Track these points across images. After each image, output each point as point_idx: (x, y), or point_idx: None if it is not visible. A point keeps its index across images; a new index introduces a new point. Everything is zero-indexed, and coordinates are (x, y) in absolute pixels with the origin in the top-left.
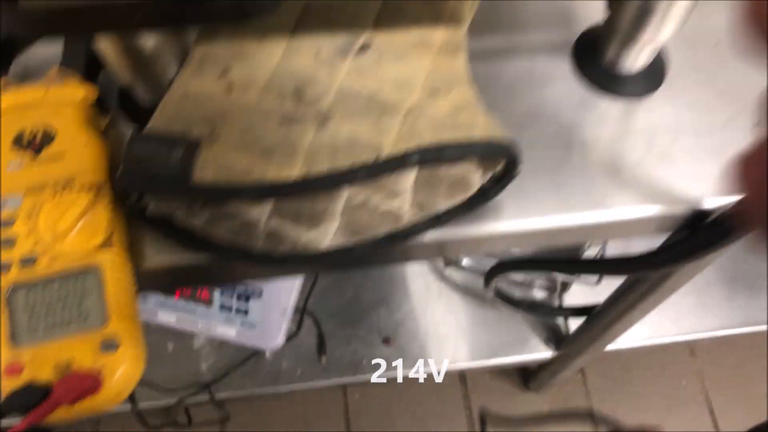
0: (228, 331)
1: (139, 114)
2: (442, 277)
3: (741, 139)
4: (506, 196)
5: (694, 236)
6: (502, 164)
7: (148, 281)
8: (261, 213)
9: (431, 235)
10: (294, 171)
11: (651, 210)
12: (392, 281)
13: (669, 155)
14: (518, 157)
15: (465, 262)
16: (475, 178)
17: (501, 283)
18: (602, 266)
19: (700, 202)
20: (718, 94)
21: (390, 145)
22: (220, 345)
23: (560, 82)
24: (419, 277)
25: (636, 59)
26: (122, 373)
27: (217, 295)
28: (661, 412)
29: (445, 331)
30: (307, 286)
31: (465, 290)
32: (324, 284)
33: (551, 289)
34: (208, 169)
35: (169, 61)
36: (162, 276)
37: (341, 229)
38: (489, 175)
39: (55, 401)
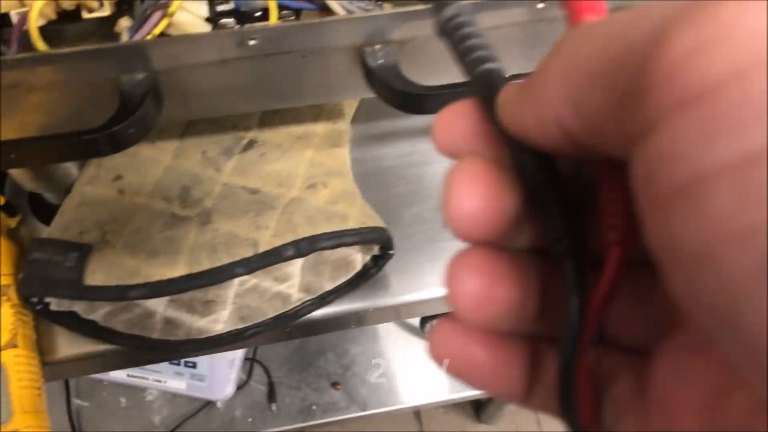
0: (178, 384)
1: (47, 213)
2: None
3: None
4: (390, 271)
5: None
6: (377, 247)
7: (62, 370)
8: (157, 304)
9: (320, 313)
10: (177, 270)
11: None
12: None
13: None
14: (390, 241)
15: None
16: (358, 259)
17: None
18: None
19: None
20: None
21: (266, 240)
22: (173, 397)
23: (438, 162)
24: None
25: None
26: None
27: None
28: None
29: (393, 371)
30: None
31: (411, 329)
32: None
33: None
34: (98, 273)
35: (68, 167)
36: (75, 365)
37: (233, 314)
38: (369, 255)
39: None
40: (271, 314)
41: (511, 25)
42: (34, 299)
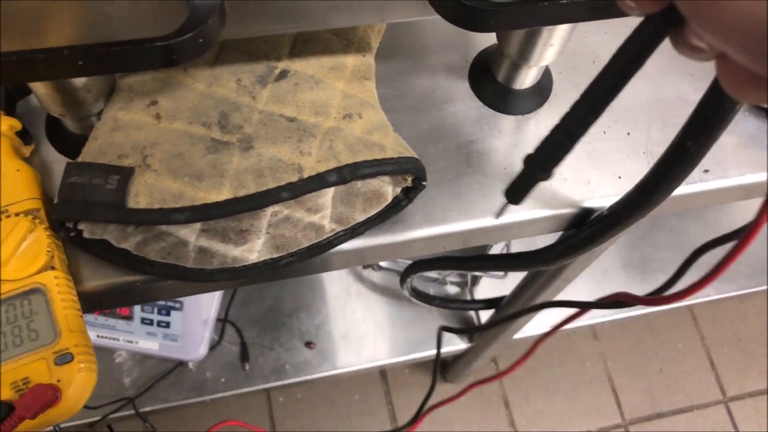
0: (150, 344)
1: (66, 142)
2: (360, 279)
3: (614, 148)
4: (414, 206)
5: (579, 234)
6: (410, 178)
7: (86, 303)
8: (190, 233)
9: (349, 245)
10: (222, 194)
11: (540, 213)
12: (311, 286)
13: None
14: (423, 172)
15: (381, 262)
16: (389, 191)
17: (415, 280)
18: (506, 263)
19: (581, 204)
20: None
21: (310, 166)
22: (143, 359)
23: (459, 100)
24: (338, 281)
25: (524, 79)
26: (78, 382)
27: (137, 309)
28: (569, 393)
29: (364, 330)
30: (227, 296)
31: (382, 290)
32: (244, 293)
33: (462, 284)
34: (141, 195)
35: (99, 93)
36: (100, 297)
37: (267, 244)
38: (400, 188)
39: (19, 416)
40: (306, 244)
41: None
42: (69, 225)
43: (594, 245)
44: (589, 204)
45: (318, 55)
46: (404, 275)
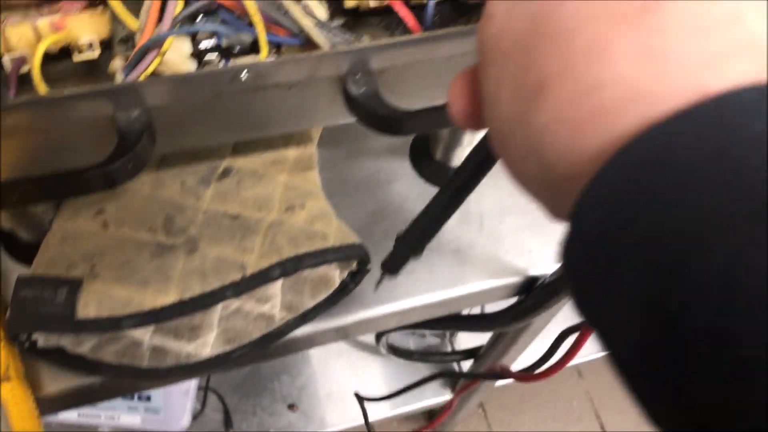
0: (132, 419)
1: (21, 251)
2: None
3: None
4: (364, 286)
5: (527, 300)
6: (355, 263)
7: (48, 406)
8: (144, 333)
9: (301, 331)
10: (169, 297)
11: (490, 284)
12: None
13: (497, 234)
14: (367, 256)
15: None
16: (335, 276)
17: (395, 335)
18: (471, 324)
19: (526, 273)
20: None
21: (253, 262)
22: None
23: (402, 179)
24: None
25: (461, 156)
26: None
27: None
28: None
29: (347, 388)
30: None
31: (364, 346)
32: None
33: (441, 334)
34: (91, 305)
35: (48, 205)
36: (59, 400)
37: (219, 337)
38: (346, 272)
39: None
40: (257, 335)
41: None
42: (23, 337)
43: (542, 310)
44: (532, 272)
45: (260, 151)
46: (378, 335)
